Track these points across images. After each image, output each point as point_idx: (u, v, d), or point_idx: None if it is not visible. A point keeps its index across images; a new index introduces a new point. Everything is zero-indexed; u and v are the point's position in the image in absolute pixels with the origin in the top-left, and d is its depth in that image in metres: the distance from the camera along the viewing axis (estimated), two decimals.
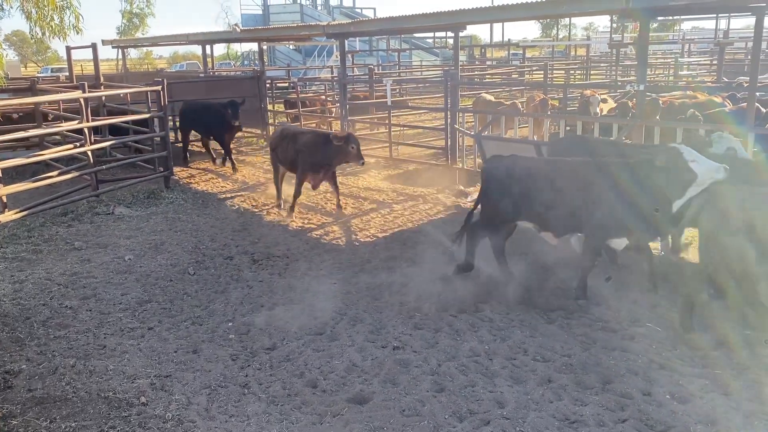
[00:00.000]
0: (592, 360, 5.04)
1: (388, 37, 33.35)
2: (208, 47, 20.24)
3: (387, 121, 13.63)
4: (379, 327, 5.75)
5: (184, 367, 5.17)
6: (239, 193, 11.03)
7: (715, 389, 4.55)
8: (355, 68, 27.68)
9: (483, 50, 35.72)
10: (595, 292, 6.32)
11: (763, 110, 10.00)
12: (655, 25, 40.45)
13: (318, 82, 23.09)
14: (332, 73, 26.01)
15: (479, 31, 57.83)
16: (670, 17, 27.31)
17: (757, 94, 9.39)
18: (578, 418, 4.28)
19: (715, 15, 24.40)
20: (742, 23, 34.13)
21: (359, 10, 47.40)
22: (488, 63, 32.11)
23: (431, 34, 38.24)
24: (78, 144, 10.27)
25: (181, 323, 5.99)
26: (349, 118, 13.68)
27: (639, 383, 4.67)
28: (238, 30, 17.13)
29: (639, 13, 7.95)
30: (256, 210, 9.97)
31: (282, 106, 18.49)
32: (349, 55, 28.30)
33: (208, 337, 5.68)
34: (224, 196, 10.95)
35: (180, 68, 40.10)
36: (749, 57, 16.17)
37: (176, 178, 12.02)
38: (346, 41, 14.26)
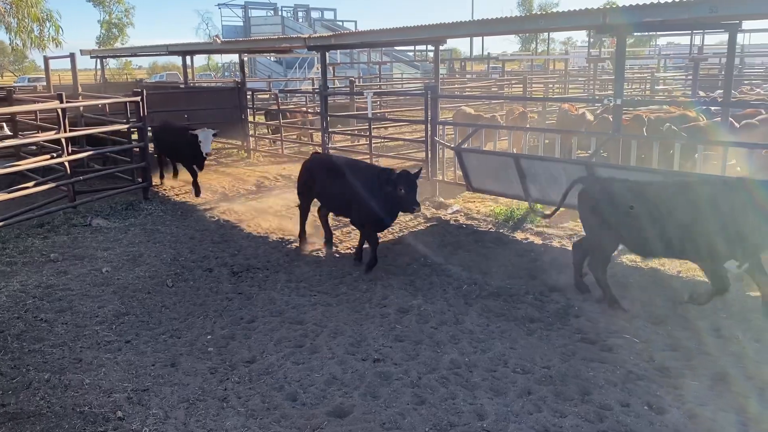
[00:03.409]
0: (572, 371, 5.06)
1: (369, 49, 33.50)
2: (188, 58, 20.16)
3: (367, 133, 13.66)
4: (360, 339, 5.73)
5: (161, 380, 5.10)
6: (219, 205, 10.96)
7: (692, 400, 4.60)
8: (336, 80, 27.73)
9: (463, 63, 36.02)
10: (574, 303, 6.38)
11: (737, 125, 10.22)
12: (631, 40, 41.14)
13: (299, 94, 23.10)
14: (313, 84, 26.05)
15: (459, 45, 58.33)
16: (647, 33, 27.80)
17: None
18: (558, 430, 4.29)
19: (690, 31, 24.89)
20: (716, 39, 34.87)
21: (340, 23, 47.62)
22: (468, 76, 32.37)
23: (412, 47, 38.48)
24: (55, 154, 10.15)
25: (159, 336, 5.92)
26: (329, 130, 13.69)
27: (617, 394, 4.71)
28: (219, 41, 17.09)
29: (615, 28, 8.08)
30: (236, 222, 9.91)
31: (263, 117, 18.47)
32: (330, 68, 28.36)
33: (186, 350, 5.62)
34: (204, 207, 10.87)
35: (160, 79, 39.86)
36: (723, 72, 16.49)
37: (155, 189, 11.91)
38: (327, 53, 14.28)
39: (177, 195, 11.82)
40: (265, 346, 5.65)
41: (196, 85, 22.17)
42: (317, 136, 15.72)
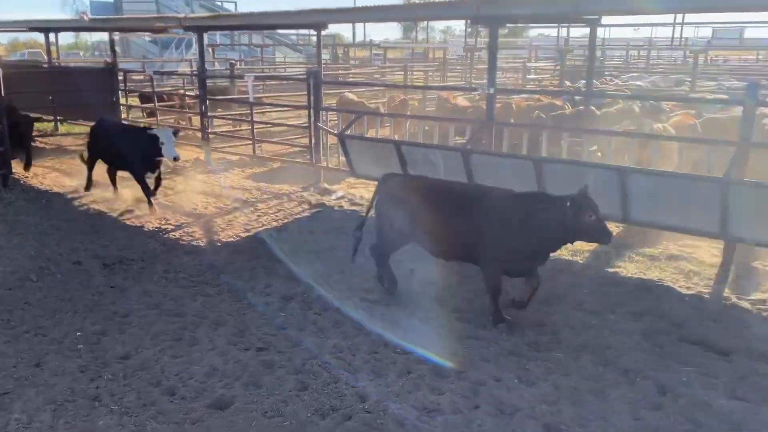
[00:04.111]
0: (449, 349, 5.28)
1: (251, 32, 32.70)
2: (52, 35, 18.72)
3: (249, 118, 13.37)
4: (243, 329, 5.65)
5: (25, 382, 4.77)
6: (88, 193, 10.30)
7: (557, 371, 4.95)
8: (216, 62, 26.83)
9: (346, 49, 36.04)
10: (450, 284, 6.61)
11: (598, 113, 10.97)
12: (505, 31, 42.96)
13: (176, 76, 22.15)
14: (191, 66, 25.06)
15: (343, 30, 58.31)
16: (518, 24, 29.16)
17: None
18: (435, 406, 4.47)
19: (557, 24, 26.38)
20: (581, 32, 37.22)
21: (219, 3, 45.96)
22: (351, 62, 32.44)
23: (295, 31, 37.97)
24: None
25: (21, 335, 5.51)
26: (209, 114, 13.28)
27: (491, 370, 4.96)
28: (86, 18, 16.01)
29: (488, 19, 8.42)
30: (108, 211, 9.38)
31: (137, 100, 17.55)
32: (210, 49, 27.38)
33: (53, 349, 5.28)
34: (72, 195, 10.18)
35: (21, 57, 36.71)
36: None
37: (16, 176, 11.01)
38: (205, 35, 13.78)
39: (41, 183, 11.00)
40: (140, 340, 5.43)
41: (62, 64, 20.64)
42: (196, 120, 15.17)
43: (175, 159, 8.99)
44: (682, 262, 7.30)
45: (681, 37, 30.49)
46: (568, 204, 5.22)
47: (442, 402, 4.52)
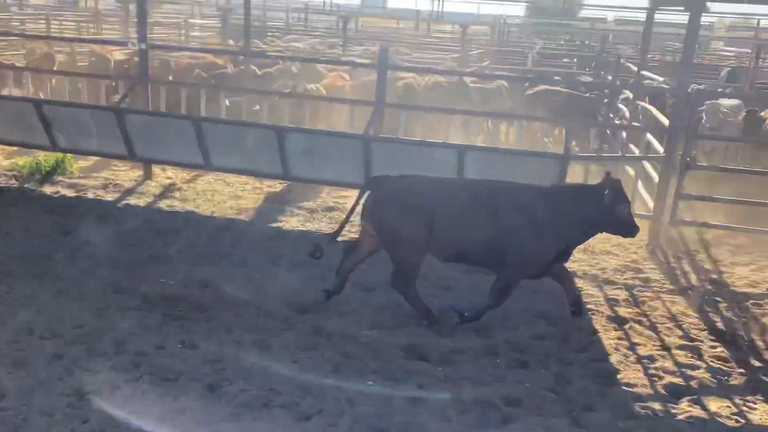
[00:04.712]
0: (107, 325, 4.93)
1: None
2: None
3: None
4: None
5: None
6: None
7: (220, 328, 4.98)
8: None
9: None
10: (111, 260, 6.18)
11: (259, 72, 11.20)
12: None
13: None
14: None
15: None
16: None
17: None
18: (90, 388, 4.12)
19: None
20: None
21: None
22: None
23: None
24: None
25: None
26: None
27: (153, 339, 4.79)
28: None
29: None
30: None
31: None
32: None
33: None
34: None
35: None
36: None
37: None
38: None
39: None
40: None
41: None
42: None
43: None
44: (338, 212, 7.95)
45: (332, 3, 32.66)
46: (606, 192, 4.93)
47: (97, 382, 4.21)
